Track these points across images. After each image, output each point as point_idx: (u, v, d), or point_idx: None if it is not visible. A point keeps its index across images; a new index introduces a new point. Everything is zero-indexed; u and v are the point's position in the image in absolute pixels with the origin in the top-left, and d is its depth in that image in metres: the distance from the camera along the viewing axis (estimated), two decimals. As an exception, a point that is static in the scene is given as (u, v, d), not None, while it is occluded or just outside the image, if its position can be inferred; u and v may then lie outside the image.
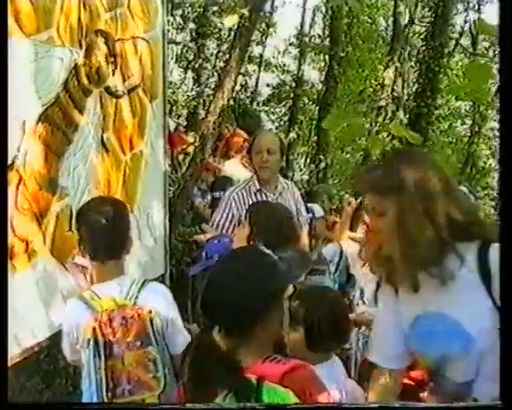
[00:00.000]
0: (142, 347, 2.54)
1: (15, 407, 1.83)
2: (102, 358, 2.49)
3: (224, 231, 3.85)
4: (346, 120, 2.73)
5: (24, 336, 2.98)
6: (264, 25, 13.83)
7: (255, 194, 3.98)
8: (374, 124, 13.64)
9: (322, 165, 12.40)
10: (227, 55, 13.60)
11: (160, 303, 2.66)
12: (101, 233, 2.62)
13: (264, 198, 3.96)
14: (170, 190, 4.87)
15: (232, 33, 13.15)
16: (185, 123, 12.40)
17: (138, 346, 2.53)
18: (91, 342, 2.50)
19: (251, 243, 2.72)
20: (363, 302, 3.93)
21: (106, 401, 2.46)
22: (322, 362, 2.37)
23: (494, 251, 1.87)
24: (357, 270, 4.28)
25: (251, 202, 3.85)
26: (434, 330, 1.98)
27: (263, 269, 1.81)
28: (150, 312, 2.57)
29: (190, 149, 5.98)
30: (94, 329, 2.50)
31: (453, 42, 13.22)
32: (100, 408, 2.30)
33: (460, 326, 1.92)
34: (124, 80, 3.73)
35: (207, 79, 13.57)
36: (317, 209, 5.60)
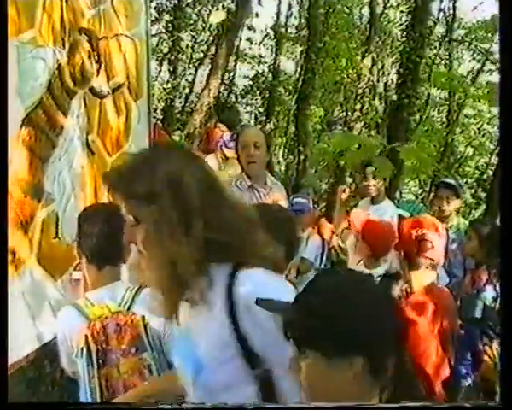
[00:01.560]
0: (137, 353, 2.47)
1: (15, 407, 1.80)
2: (95, 366, 2.42)
3: None
4: (356, 140, 2.64)
5: (11, 347, 2.87)
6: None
7: (247, 190, 3.90)
8: (351, 114, 13.71)
9: (302, 156, 12.36)
10: (202, 47, 13.61)
11: None
12: (102, 236, 2.55)
13: (257, 194, 3.90)
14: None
15: (207, 25, 13.12)
16: (161, 117, 12.28)
17: (133, 353, 2.47)
18: (84, 351, 2.43)
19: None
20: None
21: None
22: None
23: (244, 277, 1.66)
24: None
25: (244, 199, 3.77)
26: (179, 352, 1.85)
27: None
28: (143, 318, 2.51)
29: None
30: (86, 337, 2.43)
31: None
32: (100, 408, 2.27)
33: (194, 353, 1.74)
34: (108, 80, 3.63)
35: (183, 71, 13.46)
36: (305, 203, 5.52)
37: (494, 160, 12.50)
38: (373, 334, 1.44)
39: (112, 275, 2.61)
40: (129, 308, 2.53)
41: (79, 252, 2.63)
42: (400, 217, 4.83)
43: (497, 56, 13.44)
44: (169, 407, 1.77)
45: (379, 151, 2.35)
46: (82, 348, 2.42)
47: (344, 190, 5.41)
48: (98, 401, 2.39)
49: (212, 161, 6.76)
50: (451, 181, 5.66)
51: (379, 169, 2.32)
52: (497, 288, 4.43)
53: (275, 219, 2.71)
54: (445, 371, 2.91)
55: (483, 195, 12.13)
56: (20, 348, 2.98)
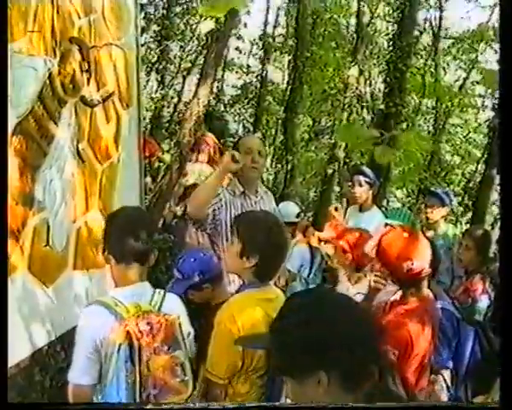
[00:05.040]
0: (169, 351, 2.54)
1: (15, 407, 1.82)
2: (136, 362, 2.46)
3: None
4: (357, 131, 2.68)
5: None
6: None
7: (239, 197, 3.88)
8: (339, 123, 13.76)
9: (289, 165, 12.40)
10: (190, 57, 13.64)
11: (181, 314, 2.68)
12: (130, 236, 2.61)
13: (248, 201, 3.87)
14: (146, 199, 4.78)
15: (195, 34, 13.16)
16: (149, 126, 12.27)
17: (165, 351, 2.53)
18: (123, 347, 2.45)
19: (243, 258, 2.66)
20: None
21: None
22: None
23: None
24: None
25: (235, 204, 3.77)
26: None
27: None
28: (179, 317, 2.60)
29: (167, 157, 5.89)
30: (128, 333, 2.46)
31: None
32: (100, 408, 2.29)
33: None
34: (98, 89, 3.65)
35: (171, 80, 13.47)
36: (292, 211, 5.52)
37: (481, 168, 12.58)
38: (338, 349, 1.48)
39: (139, 274, 2.65)
40: (159, 309, 2.59)
41: (107, 257, 2.66)
42: (387, 225, 4.85)
43: (482, 65, 13.59)
44: (177, 406, 1.78)
45: (380, 140, 2.41)
46: (120, 345, 2.45)
47: (336, 209, 5.35)
48: (137, 395, 2.43)
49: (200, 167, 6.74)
50: (438, 190, 5.71)
51: (381, 155, 2.35)
52: (492, 296, 4.43)
53: (264, 224, 2.75)
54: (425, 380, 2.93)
55: (470, 203, 12.20)
56: (12, 354, 2.97)
